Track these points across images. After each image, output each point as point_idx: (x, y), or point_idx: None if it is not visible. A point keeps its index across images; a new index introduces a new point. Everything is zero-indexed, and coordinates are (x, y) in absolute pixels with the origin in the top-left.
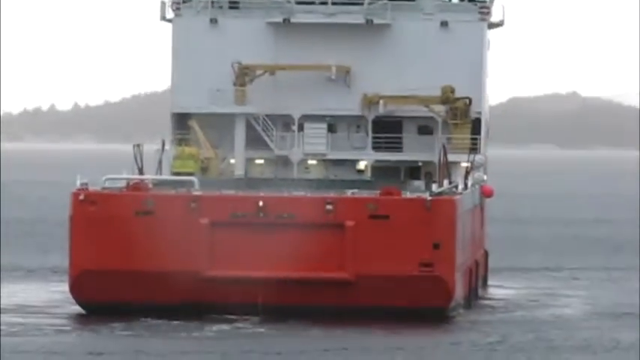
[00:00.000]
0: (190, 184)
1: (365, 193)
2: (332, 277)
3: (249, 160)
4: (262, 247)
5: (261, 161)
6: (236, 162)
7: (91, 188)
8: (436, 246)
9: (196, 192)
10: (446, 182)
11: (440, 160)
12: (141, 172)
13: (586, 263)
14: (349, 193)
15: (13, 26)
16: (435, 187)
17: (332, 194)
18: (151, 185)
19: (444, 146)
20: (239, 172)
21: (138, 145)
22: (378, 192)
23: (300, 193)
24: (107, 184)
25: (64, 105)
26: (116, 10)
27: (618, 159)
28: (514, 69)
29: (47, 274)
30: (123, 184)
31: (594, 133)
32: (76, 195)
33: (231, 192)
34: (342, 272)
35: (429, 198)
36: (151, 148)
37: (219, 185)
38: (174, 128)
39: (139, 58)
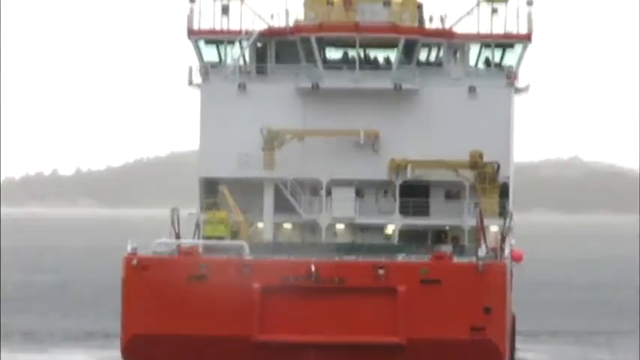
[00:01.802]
0: (241, 249)
1: (414, 258)
2: (384, 342)
3: (277, 225)
4: (314, 312)
5: (289, 225)
6: (264, 226)
7: (141, 252)
8: (487, 310)
9: (248, 257)
10: (483, 246)
11: (477, 224)
12: (178, 236)
13: (617, 327)
14: (400, 257)
15: (17, 91)
16: (480, 252)
17: (383, 259)
18: (201, 250)
19: (480, 211)
20: (267, 236)
21: (174, 210)
22: (429, 257)
23: (351, 257)
24: (158, 249)
25: (67, 170)
26: (118, 76)
27: (622, 223)
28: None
29: (87, 337)
30: (167, 248)
31: (597, 197)
32: (128, 259)
33: (282, 257)
34: (393, 336)
35: (481, 262)
36: (160, 212)
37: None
38: (202, 193)
39: (141, 123)
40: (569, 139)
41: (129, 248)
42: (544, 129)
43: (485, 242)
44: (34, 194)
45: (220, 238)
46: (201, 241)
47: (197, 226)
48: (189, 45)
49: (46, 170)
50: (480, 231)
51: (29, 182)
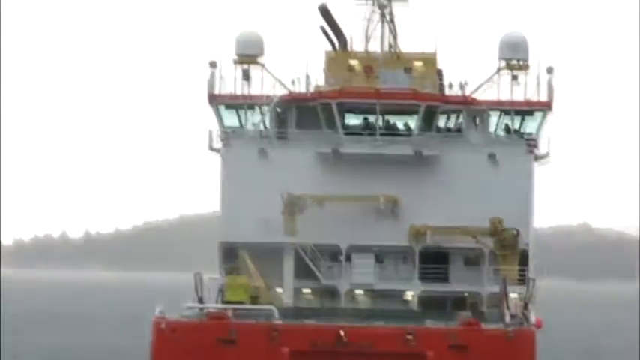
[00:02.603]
0: (270, 313)
1: (442, 324)
2: None
3: (297, 290)
4: None
5: (309, 291)
6: (284, 291)
7: (169, 316)
8: None
9: (277, 321)
10: (507, 313)
11: (500, 291)
12: (201, 300)
13: None
14: (429, 323)
15: (28, 149)
16: (508, 319)
17: (411, 325)
18: (230, 314)
19: (504, 278)
20: (287, 301)
21: (198, 274)
22: (458, 323)
23: (379, 323)
24: (185, 312)
25: (76, 232)
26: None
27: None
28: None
29: None
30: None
31: (606, 264)
32: (157, 323)
33: (311, 322)
34: None
35: (511, 329)
36: (171, 276)
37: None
38: (222, 257)
39: (151, 186)
40: (578, 206)
41: (157, 311)
42: (555, 196)
43: (508, 309)
44: (43, 256)
45: (241, 302)
46: (230, 306)
47: (220, 290)
48: (204, 109)
49: (55, 232)
50: (503, 298)
51: (38, 244)
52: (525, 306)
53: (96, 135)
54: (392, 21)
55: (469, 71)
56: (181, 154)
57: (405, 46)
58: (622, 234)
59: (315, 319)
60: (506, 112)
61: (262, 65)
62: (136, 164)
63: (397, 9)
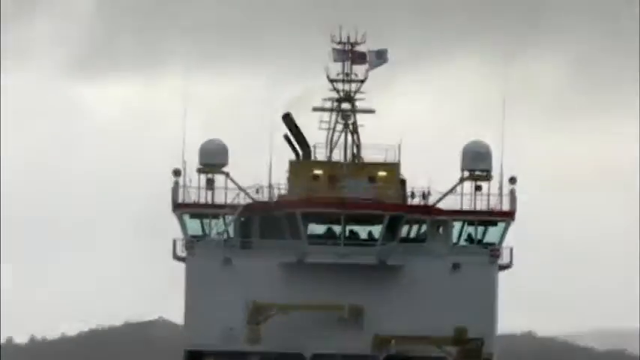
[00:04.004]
0: None
1: None
2: None
3: None
4: None
5: None
6: None
7: None
8: None
9: None
10: None
11: None
12: None
13: None
14: None
15: None
16: None
17: None
18: None
19: None
20: None
21: None
22: None
23: None
24: None
25: (21, 338)
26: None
27: None
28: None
29: None
30: None
31: None
32: None
33: None
34: None
35: None
36: None
37: None
38: None
39: (97, 291)
40: (523, 314)
41: None
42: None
43: None
44: None
45: None
46: None
47: None
48: (166, 217)
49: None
50: None
51: None
52: None
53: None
54: (355, 131)
55: (432, 180)
56: (131, 259)
57: (368, 154)
58: (566, 343)
59: None
60: (470, 222)
61: (226, 174)
62: (85, 268)
63: (361, 118)
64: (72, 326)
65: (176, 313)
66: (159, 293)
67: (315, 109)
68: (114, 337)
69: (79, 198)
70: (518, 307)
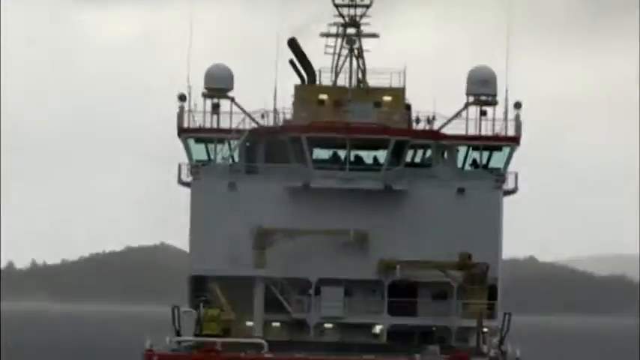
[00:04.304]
0: (260, 346)
1: (429, 357)
2: None
3: (267, 323)
4: None
5: (278, 324)
6: (255, 325)
7: (156, 349)
8: None
9: (267, 354)
10: (484, 347)
11: (477, 325)
12: (178, 333)
13: None
14: (417, 357)
15: None
16: (492, 353)
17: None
18: (219, 347)
19: (481, 313)
20: (257, 334)
21: (175, 307)
22: (447, 357)
23: (370, 357)
24: (175, 346)
25: (22, 262)
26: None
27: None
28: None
29: None
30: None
31: (550, 297)
32: (148, 356)
33: (300, 355)
34: None
35: None
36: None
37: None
38: (192, 290)
39: (97, 217)
40: (526, 239)
41: (147, 345)
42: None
43: (484, 343)
44: None
45: (212, 335)
46: (219, 339)
47: (197, 323)
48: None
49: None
50: (480, 332)
51: None
52: (502, 340)
53: (48, 168)
54: (360, 56)
55: (437, 105)
56: (131, 185)
57: (374, 79)
58: (566, 268)
59: (284, 352)
60: (475, 147)
61: (232, 99)
62: (85, 193)
63: (366, 43)
64: (72, 252)
65: (179, 239)
66: (161, 219)
67: (322, 35)
68: (115, 261)
69: (84, 123)
70: (521, 232)
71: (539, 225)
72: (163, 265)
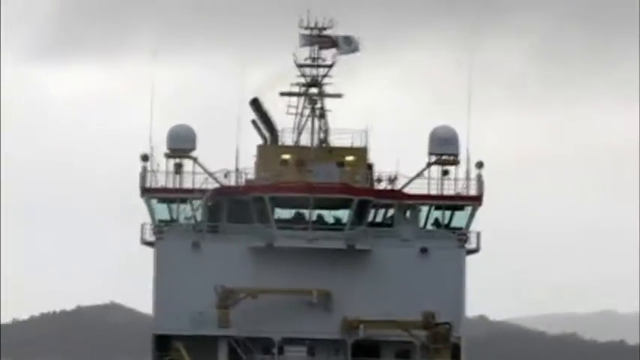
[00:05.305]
0: None
1: None
2: None
3: None
4: None
5: None
6: None
7: None
8: None
9: None
10: None
11: None
12: None
13: None
14: None
15: None
16: None
17: None
18: None
19: None
20: None
21: None
22: None
23: None
24: None
25: None
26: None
27: None
28: None
29: None
30: None
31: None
32: None
33: None
34: None
35: None
36: None
37: None
38: (155, 350)
39: (49, 277)
40: (477, 298)
41: None
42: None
43: None
44: None
45: None
46: None
47: None
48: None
49: None
50: None
51: None
52: None
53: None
54: (323, 116)
55: (399, 165)
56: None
57: (336, 138)
58: (519, 327)
59: None
60: (437, 207)
61: (194, 159)
62: (40, 253)
63: (329, 102)
64: (23, 311)
65: (132, 298)
66: (116, 278)
67: (283, 94)
68: (66, 321)
69: (45, 184)
70: (474, 290)
71: (494, 284)
72: (114, 323)
